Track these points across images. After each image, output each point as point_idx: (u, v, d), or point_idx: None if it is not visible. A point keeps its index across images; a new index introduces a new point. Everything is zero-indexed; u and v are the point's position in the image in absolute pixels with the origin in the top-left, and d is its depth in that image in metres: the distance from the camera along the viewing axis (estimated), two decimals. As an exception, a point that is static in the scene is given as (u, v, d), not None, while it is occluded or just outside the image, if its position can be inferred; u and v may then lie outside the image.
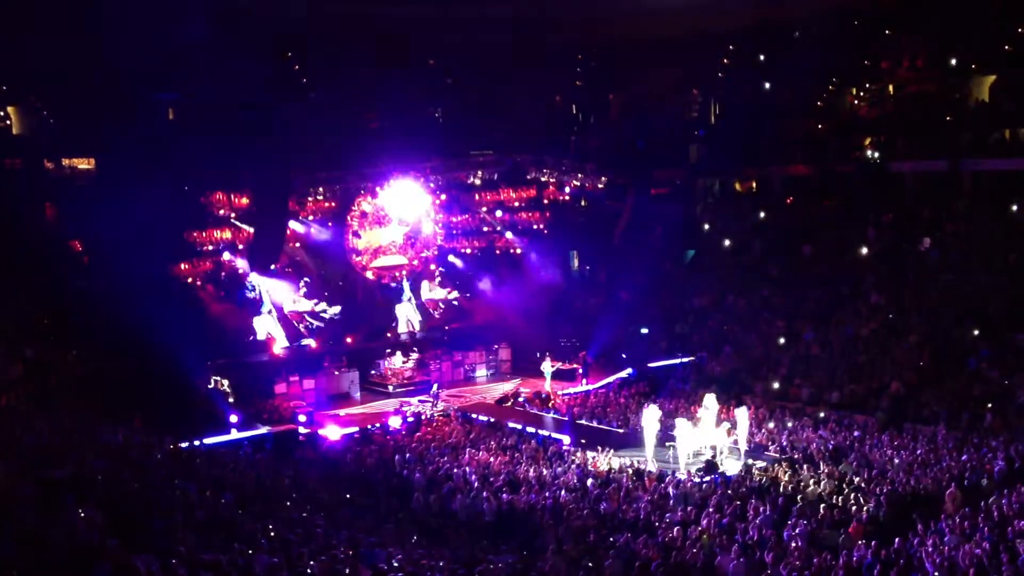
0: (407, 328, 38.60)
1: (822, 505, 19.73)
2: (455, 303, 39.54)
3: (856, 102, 42.34)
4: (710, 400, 25.97)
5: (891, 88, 41.06)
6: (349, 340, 36.98)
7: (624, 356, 35.25)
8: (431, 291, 39.11)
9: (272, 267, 35.70)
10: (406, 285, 38.18)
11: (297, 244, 37.02)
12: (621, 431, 28.21)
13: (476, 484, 22.17)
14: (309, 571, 12.53)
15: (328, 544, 14.55)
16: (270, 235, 35.10)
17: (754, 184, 45.17)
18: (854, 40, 40.85)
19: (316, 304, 35.81)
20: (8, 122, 38.35)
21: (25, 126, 38.65)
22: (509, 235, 40.52)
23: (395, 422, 29.78)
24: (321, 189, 36.82)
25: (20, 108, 38.53)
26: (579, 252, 44.01)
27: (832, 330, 32.46)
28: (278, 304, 35.34)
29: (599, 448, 25.40)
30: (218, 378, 32.46)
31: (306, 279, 36.02)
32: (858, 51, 41.35)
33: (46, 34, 34.01)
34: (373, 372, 36.27)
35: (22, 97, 38.41)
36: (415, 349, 37.01)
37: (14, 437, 19.75)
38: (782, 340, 33.02)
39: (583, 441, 27.09)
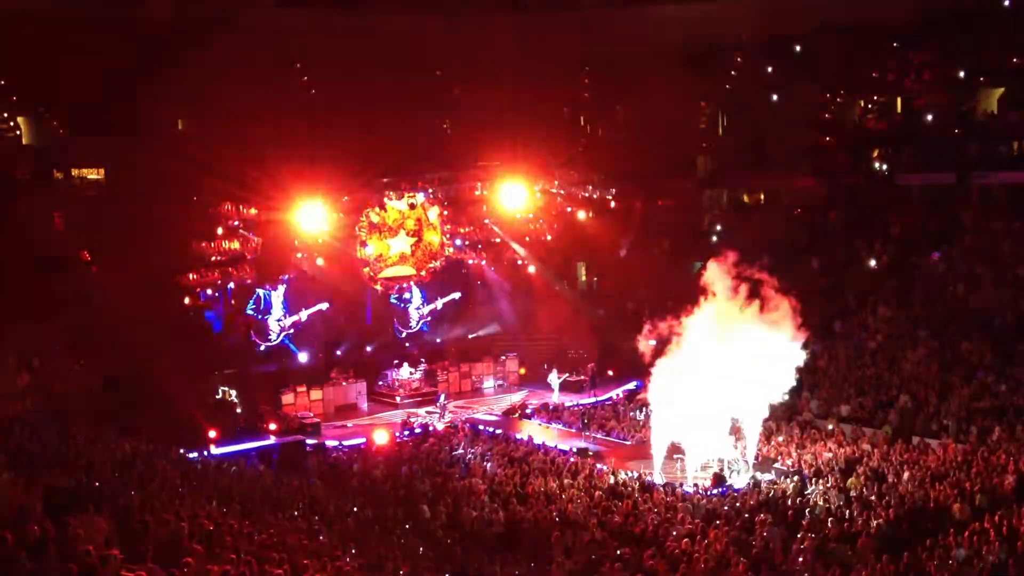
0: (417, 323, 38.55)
1: (830, 519, 19.63)
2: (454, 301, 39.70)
3: (864, 115, 42.31)
4: None
5: (899, 101, 41.04)
6: (356, 351, 37.03)
7: (631, 368, 35.13)
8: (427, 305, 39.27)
9: (280, 278, 35.78)
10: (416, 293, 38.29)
11: (304, 255, 37.03)
12: (628, 443, 28.16)
13: (484, 496, 22.12)
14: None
15: (334, 555, 14.50)
16: (278, 246, 35.20)
17: (762, 196, 45.14)
18: (862, 52, 40.85)
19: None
20: (18, 132, 38.50)
21: (35, 136, 38.80)
22: (516, 246, 40.50)
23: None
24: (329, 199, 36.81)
25: (30, 118, 38.68)
26: (587, 264, 43.98)
27: (840, 343, 32.34)
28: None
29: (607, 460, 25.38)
30: (225, 388, 32.50)
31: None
32: (866, 63, 41.35)
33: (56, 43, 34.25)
34: (380, 383, 36.28)
35: (32, 107, 38.56)
36: (423, 360, 37.01)
37: (20, 446, 19.78)
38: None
39: (591, 453, 27.05)
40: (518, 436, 29.31)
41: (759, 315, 25.05)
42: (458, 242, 39.63)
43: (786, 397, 26.85)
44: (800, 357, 24.95)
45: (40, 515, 11.67)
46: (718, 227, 43.60)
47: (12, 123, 38.26)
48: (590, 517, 20.43)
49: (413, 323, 38.57)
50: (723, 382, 24.35)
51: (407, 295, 38.13)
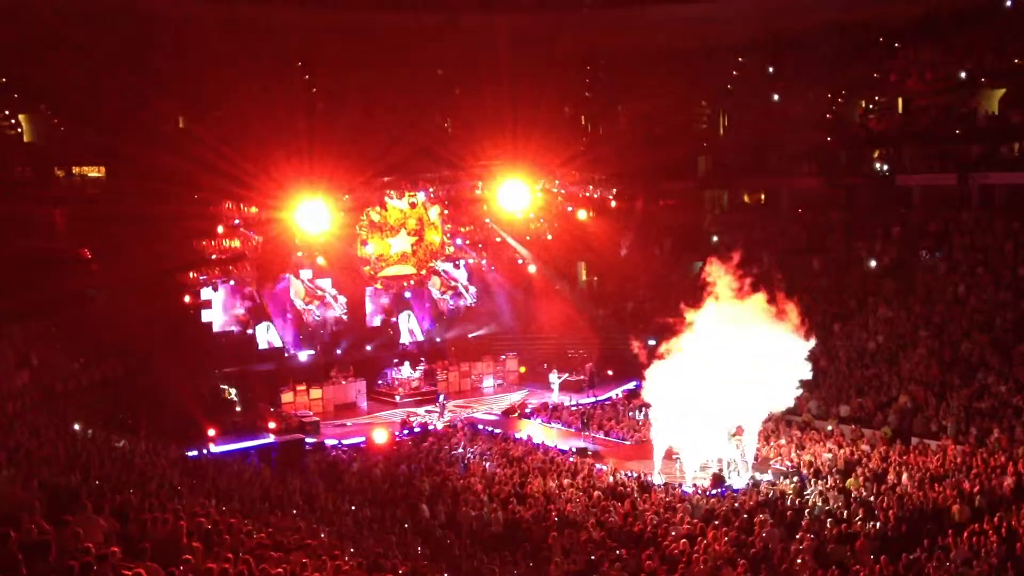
0: (410, 338, 38.69)
1: (829, 520, 19.63)
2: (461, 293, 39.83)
3: (865, 115, 42.28)
4: None
5: (900, 101, 41.02)
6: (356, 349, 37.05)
7: (631, 367, 35.10)
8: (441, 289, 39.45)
9: (280, 275, 35.80)
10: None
11: (303, 253, 37.03)
12: (628, 443, 28.15)
13: (483, 495, 22.12)
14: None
15: (332, 554, 14.50)
16: (278, 244, 35.22)
17: (762, 196, 45.12)
18: (863, 52, 40.83)
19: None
20: (19, 130, 38.54)
21: (36, 134, 38.82)
22: (517, 246, 40.47)
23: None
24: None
25: (31, 116, 38.70)
26: (587, 263, 43.97)
27: (840, 343, 32.32)
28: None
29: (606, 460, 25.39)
30: (225, 386, 32.49)
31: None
32: (867, 64, 41.32)
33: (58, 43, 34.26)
34: (380, 382, 36.27)
35: (33, 105, 38.58)
36: (422, 359, 37.01)
37: (19, 444, 19.79)
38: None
39: (590, 452, 27.04)
40: (517, 436, 29.29)
41: (759, 315, 25.02)
42: (458, 241, 39.65)
43: (786, 397, 26.98)
44: (800, 358, 24.91)
45: (39, 513, 11.67)
46: (718, 227, 43.59)
47: (13, 121, 38.27)
48: (589, 517, 20.43)
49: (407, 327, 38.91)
50: (722, 382, 24.33)
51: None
